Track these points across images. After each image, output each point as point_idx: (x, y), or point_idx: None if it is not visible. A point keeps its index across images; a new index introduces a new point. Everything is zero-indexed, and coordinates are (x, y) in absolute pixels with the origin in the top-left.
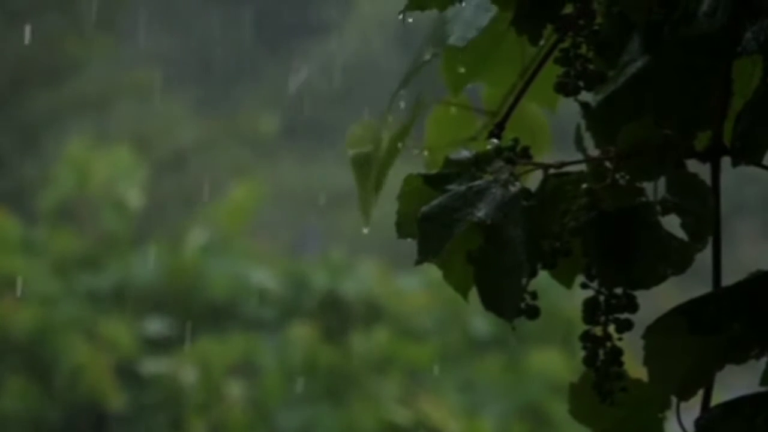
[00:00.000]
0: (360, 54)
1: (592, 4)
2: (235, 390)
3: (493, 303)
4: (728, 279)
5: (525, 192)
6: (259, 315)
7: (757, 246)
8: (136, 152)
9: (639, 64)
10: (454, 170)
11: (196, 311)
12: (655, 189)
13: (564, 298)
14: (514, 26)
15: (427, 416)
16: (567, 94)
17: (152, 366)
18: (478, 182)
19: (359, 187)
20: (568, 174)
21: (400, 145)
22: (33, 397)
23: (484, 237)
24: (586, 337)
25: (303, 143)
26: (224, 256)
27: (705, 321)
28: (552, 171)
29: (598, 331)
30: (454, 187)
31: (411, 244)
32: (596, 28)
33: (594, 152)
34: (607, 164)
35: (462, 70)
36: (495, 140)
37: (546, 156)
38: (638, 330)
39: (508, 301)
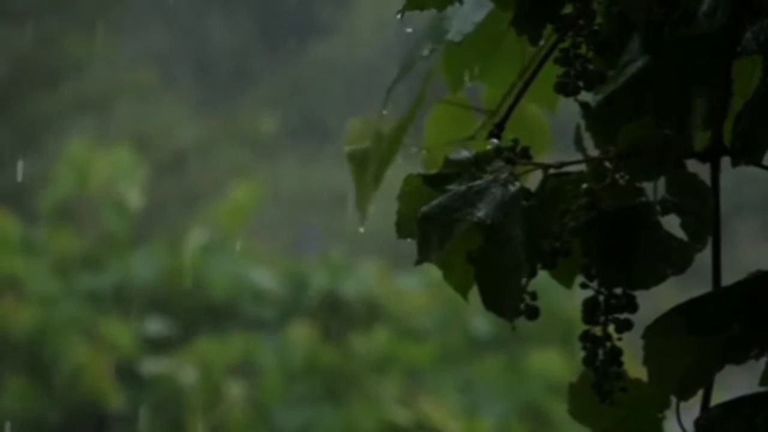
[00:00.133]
0: (360, 54)
1: (592, 4)
2: (235, 390)
3: (493, 303)
4: (728, 279)
5: (525, 192)
6: (258, 315)
7: (756, 246)
8: (136, 152)
9: (639, 64)
10: (453, 170)
11: (196, 311)
12: (654, 189)
13: (564, 299)
14: (514, 26)
15: (427, 416)
16: (567, 94)
17: (152, 366)
18: (478, 182)
19: (355, 183)
20: (567, 174)
21: (402, 138)
22: (33, 397)
23: (484, 237)
24: (585, 337)
25: (303, 143)
26: (224, 256)
27: (704, 321)
28: (552, 171)
29: (597, 331)
30: (454, 187)
31: (411, 244)
32: (596, 28)
33: (594, 152)
34: (607, 164)
35: (462, 69)
36: (495, 140)
37: (546, 156)
38: (638, 330)
39: (508, 301)
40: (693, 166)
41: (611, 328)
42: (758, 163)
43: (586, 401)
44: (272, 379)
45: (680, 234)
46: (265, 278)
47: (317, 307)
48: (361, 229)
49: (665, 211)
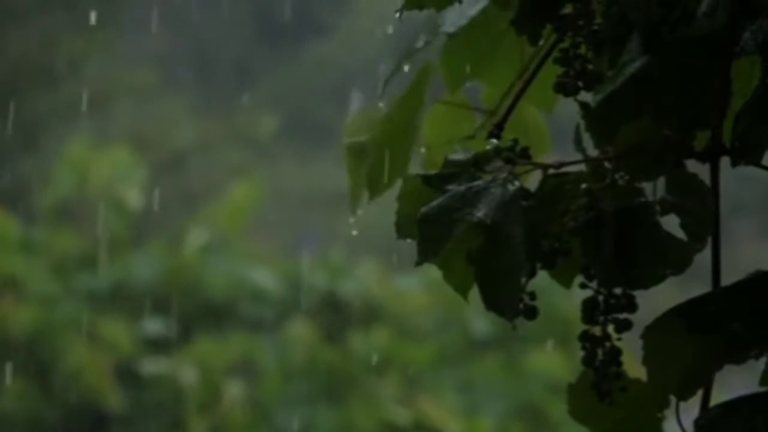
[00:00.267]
0: (359, 54)
1: (591, 4)
2: (234, 390)
3: (493, 303)
4: (727, 279)
5: (524, 192)
6: (258, 315)
7: (756, 246)
8: (136, 152)
9: (638, 64)
10: (453, 170)
11: (196, 311)
12: (654, 189)
13: (563, 298)
14: (513, 26)
15: (427, 416)
16: (566, 94)
17: (152, 366)
18: (477, 182)
19: (350, 176)
20: (567, 174)
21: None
22: (32, 398)
23: (484, 237)
24: (584, 337)
25: (303, 143)
26: (224, 257)
27: (704, 321)
28: (551, 171)
29: (597, 331)
30: (454, 188)
31: (410, 244)
32: (595, 28)
33: (593, 152)
34: (607, 164)
35: (461, 68)
36: (494, 140)
37: (545, 156)
38: (637, 330)
39: (508, 301)
40: (693, 166)
41: (610, 328)
42: (758, 163)
43: (586, 401)
44: (272, 379)
45: (680, 234)
46: (265, 278)
47: (317, 308)
48: (352, 220)
49: (665, 211)
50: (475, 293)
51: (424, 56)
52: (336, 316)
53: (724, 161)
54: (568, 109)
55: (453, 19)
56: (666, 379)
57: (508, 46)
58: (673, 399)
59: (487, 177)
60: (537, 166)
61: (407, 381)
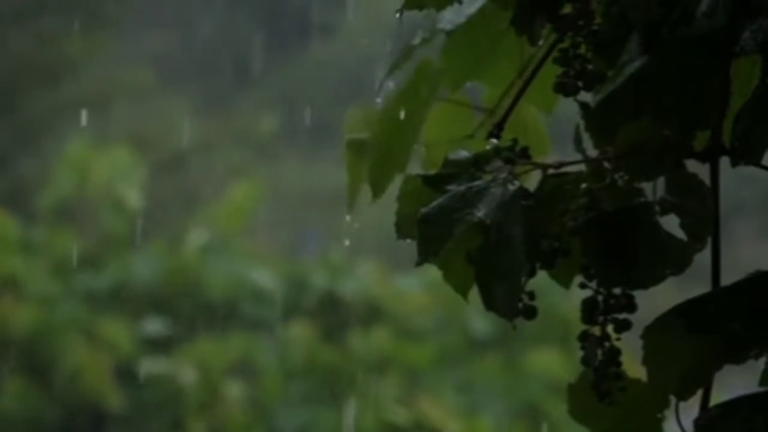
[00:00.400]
0: (359, 54)
1: (591, 4)
2: (234, 390)
3: (493, 303)
4: (727, 279)
5: (524, 192)
6: (258, 315)
7: (756, 246)
8: (136, 152)
9: (638, 64)
10: (453, 170)
11: (196, 311)
12: (654, 189)
13: (562, 298)
14: (513, 26)
15: (426, 416)
16: (566, 94)
17: (151, 366)
18: (477, 182)
19: (349, 172)
20: (567, 174)
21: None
22: (32, 398)
23: (484, 237)
24: (584, 337)
25: (303, 143)
26: (224, 257)
27: (704, 321)
28: (551, 171)
29: (596, 331)
30: (454, 188)
31: (410, 244)
32: (595, 28)
33: (593, 152)
34: (606, 164)
35: (461, 68)
36: (494, 140)
37: (545, 156)
38: (637, 330)
39: (508, 300)
40: (692, 166)
41: (610, 328)
42: (757, 163)
43: (586, 401)
44: (271, 379)
45: (680, 234)
46: (265, 278)
47: (316, 308)
48: (348, 217)
49: (664, 211)
50: (475, 293)
51: (423, 54)
52: (336, 316)
53: (724, 161)
54: (568, 109)
55: (451, 17)
56: (666, 379)
57: (507, 46)
58: (673, 399)
59: (487, 177)
60: (537, 166)
61: (407, 381)
